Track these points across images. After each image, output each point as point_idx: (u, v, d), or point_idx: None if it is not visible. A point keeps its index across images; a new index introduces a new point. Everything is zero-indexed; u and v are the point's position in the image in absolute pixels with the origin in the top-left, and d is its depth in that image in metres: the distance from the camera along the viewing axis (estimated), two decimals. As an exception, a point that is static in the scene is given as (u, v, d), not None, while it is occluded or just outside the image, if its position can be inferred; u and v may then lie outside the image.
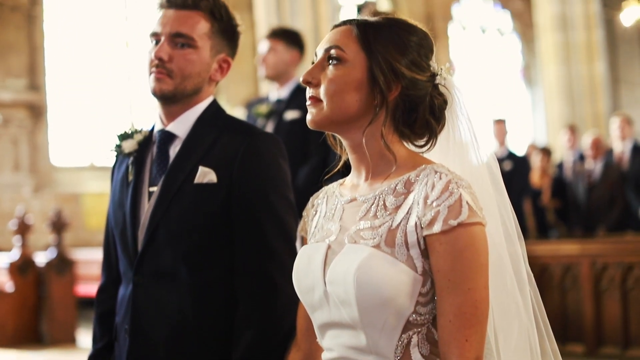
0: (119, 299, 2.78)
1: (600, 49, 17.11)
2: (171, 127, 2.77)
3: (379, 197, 1.98)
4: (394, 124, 2.03)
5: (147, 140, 2.83)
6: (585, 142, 11.21)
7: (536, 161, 11.35)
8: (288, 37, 5.95)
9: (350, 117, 2.01)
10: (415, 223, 1.88)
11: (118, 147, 2.84)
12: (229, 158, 2.69)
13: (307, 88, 2.05)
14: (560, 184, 11.18)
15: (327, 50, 2.04)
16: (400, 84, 2.00)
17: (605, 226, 10.28)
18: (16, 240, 9.63)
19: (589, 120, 16.62)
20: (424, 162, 1.98)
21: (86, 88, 15.17)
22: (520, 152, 11.90)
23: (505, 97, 21.51)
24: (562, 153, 12.57)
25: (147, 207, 2.72)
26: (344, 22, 2.08)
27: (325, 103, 2.01)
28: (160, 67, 2.71)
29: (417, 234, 1.88)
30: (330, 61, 2.03)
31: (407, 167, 1.99)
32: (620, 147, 10.67)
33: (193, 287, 2.63)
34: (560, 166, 11.74)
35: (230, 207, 2.65)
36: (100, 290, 2.92)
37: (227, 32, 2.85)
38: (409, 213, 1.90)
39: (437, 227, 1.85)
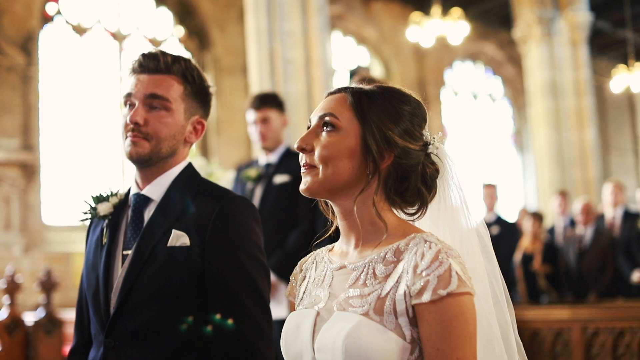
0: None
1: (590, 116, 17.28)
2: (146, 191, 2.79)
3: (369, 265, 1.98)
4: (386, 192, 2.05)
5: (122, 203, 2.86)
6: (576, 207, 11.25)
7: (527, 226, 11.38)
8: (278, 104, 5.92)
9: (343, 184, 2.02)
10: (405, 292, 1.88)
11: (93, 209, 2.87)
12: (202, 221, 2.68)
13: (301, 155, 2.07)
14: (551, 249, 11.19)
15: (322, 117, 2.06)
16: (393, 153, 2.02)
17: (597, 292, 10.27)
18: (5, 299, 9.54)
19: (579, 185, 16.71)
20: (413, 231, 2.00)
21: (79, 148, 15.19)
22: (509, 217, 11.92)
23: (496, 162, 21.60)
24: (553, 218, 12.60)
25: (120, 270, 2.70)
26: (339, 90, 2.11)
27: (319, 170, 2.02)
28: (136, 130, 2.72)
29: (405, 302, 1.88)
30: (325, 128, 2.05)
31: (397, 235, 2.00)
32: (612, 213, 10.72)
33: (165, 351, 2.59)
34: (551, 231, 11.76)
35: (203, 270, 2.63)
36: (72, 352, 2.87)
37: (200, 95, 2.86)
38: (398, 282, 1.90)
39: (426, 297, 1.84)
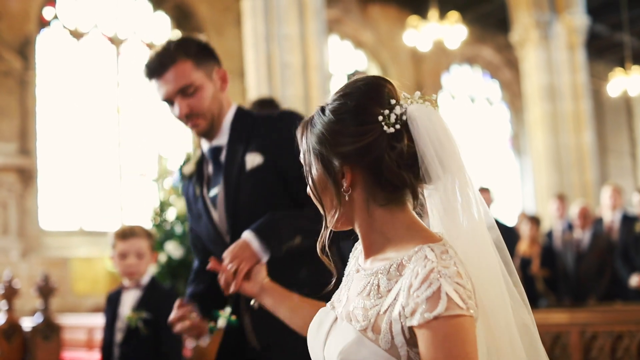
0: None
1: (587, 119, 17.29)
2: (216, 142, 3.31)
3: (375, 277, 1.92)
4: (374, 197, 1.95)
5: (201, 159, 3.38)
6: (573, 211, 11.25)
7: (525, 230, 11.37)
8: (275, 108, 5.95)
9: (335, 214, 1.99)
10: (399, 312, 1.81)
11: (182, 174, 3.43)
12: (265, 140, 3.20)
13: None
14: (549, 253, 11.18)
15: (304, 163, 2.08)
16: (351, 162, 1.93)
17: (595, 295, 10.26)
18: (2, 304, 9.53)
19: (577, 189, 16.71)
20: (421, 237, 1.92)
21: (77, 153, 15.18)
22: (507, 221, 11.90)
23: (494, 166, 21.61)
24: (551, 222, 12.59)
25: (212, 208, 3.26)
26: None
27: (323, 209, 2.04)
28: (189, 117, 3.22)
29: (401, 322, 1.81)
30: (307, 174, 2.07)
31: (406, 240, 1.93)
32: (610, 217, 10.71)
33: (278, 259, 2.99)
34: (549, 235, 11.74)
35: (285, 178, 3.13)
36: (200, 271, 3.42)
37: (205, 54, 3.27)
38: (395, 300, 1.84)
39: (415, 320, 1.78)
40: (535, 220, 11.61)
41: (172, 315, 3.14)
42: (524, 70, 17.80)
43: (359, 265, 2.03)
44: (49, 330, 9.89)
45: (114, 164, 15.61)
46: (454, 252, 1.85)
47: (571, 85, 17.28)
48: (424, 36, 16.23)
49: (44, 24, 15.08)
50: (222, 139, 3.30)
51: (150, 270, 5.01)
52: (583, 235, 10.81)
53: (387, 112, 1.92)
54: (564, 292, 10.88)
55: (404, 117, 1.92)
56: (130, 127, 15.91)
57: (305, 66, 12.40)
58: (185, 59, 3.17)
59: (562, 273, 10.93)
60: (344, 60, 19.07)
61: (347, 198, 1.96)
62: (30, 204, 13.96)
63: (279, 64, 12.07)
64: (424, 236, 1.92)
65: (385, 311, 1.84)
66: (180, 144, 15.79)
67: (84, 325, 9.81)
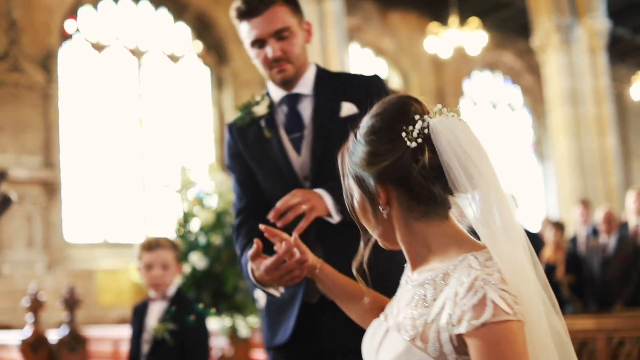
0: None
1: (610, 123, 17.19)
2: (298, 90, 3.35)
3: (422, 287, 1.97)
4: (411, 212, 2.01)
5: (270, 105, 3.39)
6: (598, 216, 11.17)
7: (549, 236, 11.30)
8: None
9: (379, 233, 2.09)
10: (447, 321, 1.85)
11: (249, 114, 3.37)
12: (360, 92, 3.26)
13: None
14: (574, 259, 11.10)
15: (349, 190, 2.16)
16: (383, 181, 2.01)
17: (621, 301, 10.18)
18: (28, 317, 9.59)
19: (601, 194, 16.61)
20: (464, 246, 1.97)
21: (100, 165, 15.27)
22: (530, 227, 11.85)
23: (517, 172, 21.53)
24: (575, 227, 12.51)
25: (291, 150, 3.28)
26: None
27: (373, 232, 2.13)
28: (279, 61, 3.26)
29: (448, 331, 1.85)
30: (352, 199, 2.15)
31: (447, 250, 1.98)
32: (635, 221, 10.62)
33: None
34: (574, 240, 11.67)
35: None
36: (247, 207, 3.35)
37: (298, 5, 3.35)
38: (442, 308, 1.88)
39: (462, 328, 1.81)
40: (559, 226, 11.54)
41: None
42: (546, 75, 17.72)
43: (407, 277, 2.10)
44: (75, 342, 9.93)
45: (137, 176, 15.69)
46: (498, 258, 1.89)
47: (593, 90, 17.18)
48: (444, 43, 16.22)
49: (65, 37, 15.19)
50: (303, 89, 3.35)
51: (176, 281, 5.02)
52: (608, 240, 10.73)
53: (410, 127, 1.99)
54: (590, 298, 10.80)
55: (426, 131, 1.98)
56: (152, 139, 15.98)
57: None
58: (285, 3, 3.25)
59: (587, 279, 10.86)
60: (364, 68, 19.07)
61: (385, 216, 2.03)
62: (54, 216, 14.04)
63: (300, 73, 12.11)
64: (467, 245, 1.97)
65: (433, 320, 1.88)
66: (202, 155, 15.86)
67: (109, 337, 9.84)
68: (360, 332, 2.40)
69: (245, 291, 7.72)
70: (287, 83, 3.33)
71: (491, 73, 21.87)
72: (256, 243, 2.67)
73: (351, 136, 2.13)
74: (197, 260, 7.57)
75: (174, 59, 16.63)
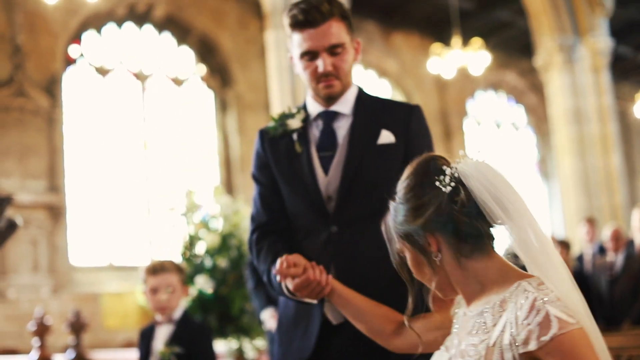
0: (297, 249, 3.15)
1: (615, 141, 17.21)
2: (336, 108, 3.32)
3: (481, 316, 2.15)
4: (463, 252, 2.21)
5: (305, 119, 3.36)
6: (605, 234, 11.15)
7: (555, 254, 11.26)
8: None
9: (435, 283, 2.27)
10: (510, 341, 2.02)
11: (282, 125, 3.33)
12: (400, 122, 3.28)
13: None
14: (580, 277, 11.06)
15: (399, 253, 2.36)
16: (431, 229, 2.21)
17: (630, 319, 10.14)
18: (35, 341, 9.57)
19: (606, 212, 16.59)
20: (516, 276, 2.15)
21: (105, 189, 15.29)
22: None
23: (522, 191, 21.46)
24: (581, 246, 12.49)
25: (319, 169, 3.24)
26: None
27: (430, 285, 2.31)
28: (328, 76, 3.22)
29: (512, 351, 2.02)
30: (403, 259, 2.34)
31: (501, 282, 2.16)
32: (642, 239, 10.61)
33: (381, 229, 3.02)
34: (580, 259, 11.65)
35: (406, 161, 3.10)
36: (267, 224, 3.32)
37: (351, 22, 3.31)
38: (503, 331, 2.05)
39: (532, 345, 1.98)
40: (565, 245, 11.52)
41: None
42: (549, 94, 17.75)
43: (465, 310, 2.27)
44: (82, 366, 9.90)
45: (142, 199, 15.70)
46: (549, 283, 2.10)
47: (597, 108, 17.21)
48: (447, 63, 16.25)
49: (70, 61, 15.25)
50: (343, 107, 3.33)
51: (182, 305, 5.01)
52: (616, 258, 10.70)
53: (442, 177, 2.23)
54: (598, 316, 10.73)
55: (456, 175, 2.23)
56: (157, 162, 16.00)
57: (330, 96, 12.44)
58: (341, 19, 3.22)
59: (595, 297, 10.82)
60: (368, 90, 19.06)
61: (438, 263, 2.23)
62: (59, 240, 14.04)
63: (303, 95, 12.11)
64: (518, 274, 2.17)
65: (494, 344, 2.06)
66: (207, 178, 15.88)
67: (116, 361, 9.83)
68: (374, 351, 2.66)
69: (251, 314, 7.71)
70: (331, 99, 3.31)
71: (495, 93, 21.89)
72: (281, 262, 2.89)
73: (391, 204, 2.35)
74: (204, 283, 7.58)
75: (177, 82, 16.68)
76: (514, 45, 20.53)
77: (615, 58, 18.73)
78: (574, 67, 17.38)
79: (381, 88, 19.47)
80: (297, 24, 3.20)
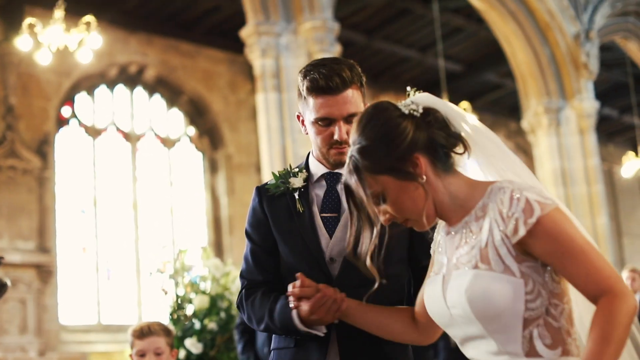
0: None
1: (601, 202, 17.32)
2: (342, 170, 3.11)
3: (466, 226, 2.30)
4: (441, 166, 2.35)
5: (307, 178, 3.27)
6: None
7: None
8: None
9: (424, 208, 2.34)
10: (501, 237, 2.19)
11: (285, 183, 3.24)
12: None
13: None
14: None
15: (374, 197, 2.37)
16: (414, 153, 2.31)
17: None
18: (22, 403, 9.53)
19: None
20: (484, 185, 2.32)
21: (95, 248, 15.30)
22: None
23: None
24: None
25: (323, 230, 3.13)
26: (350, 174, 2.43)
27: (411, 219, 2.38)
28: (341, 144, 3.09)
29: (505, 244, 2.19)
30: (380, 201, 2.37)
31: (477, 196, 2.31)
32: (628, 300, 10.64)
33: (386, 292, 2.87)
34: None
35: (410, 234, 3.04)
36: (260, 284, 3.22)
37: (365, 88, 3.23)
38: (491, 230, 2.21)
39: (521, 231, 2.16)
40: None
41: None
42: (536, 155, 17.90)
43: (448, 230, 2.39)
44: None
45: (132, 259, 15.71)
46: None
47: (583, 169, 17.35)
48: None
49: (62, 122, 15.37)
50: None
51: (171, 368, 5.01)
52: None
53: (408, 105, 2.39)
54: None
55: (418, 101, 2.41)
56: (147, 222, 16.04)
57: (320, 159, 12.53)
58: (359, 88, 3.14)
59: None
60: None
61: (423, 185, 2.32)
62: (49, 300, 14.02)
63: (293, 157, 12.20)
64: (486, 183, 2.33)
65: (487, 243, 2.22)
66: (195, 239, 15.91)
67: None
68: None
69: (240, 376, 7.70)
70: (339, 165, 3.17)
71: (482, 154, 22.03)
72: (300, 278, 2.89)
73: (354, 149, 2.40)
74: (192, 345, 7.57)
75: (168, 143, 16.81)
76: (501, 107, 20.78)
77: (601, 120, 18.95)
78: (561, 129, 17.56)
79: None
80: (317, 89, 3.07)
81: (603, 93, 19.12)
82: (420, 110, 2.37)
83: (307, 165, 3.28)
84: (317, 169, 3.26)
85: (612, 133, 23.16)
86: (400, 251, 3.08)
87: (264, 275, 3.23)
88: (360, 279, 2.93)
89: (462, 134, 2.39)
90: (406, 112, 2.37)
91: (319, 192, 3.22)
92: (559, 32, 17.44)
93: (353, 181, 2.40)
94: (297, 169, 3.27)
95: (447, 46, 17.27)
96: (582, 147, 17.53)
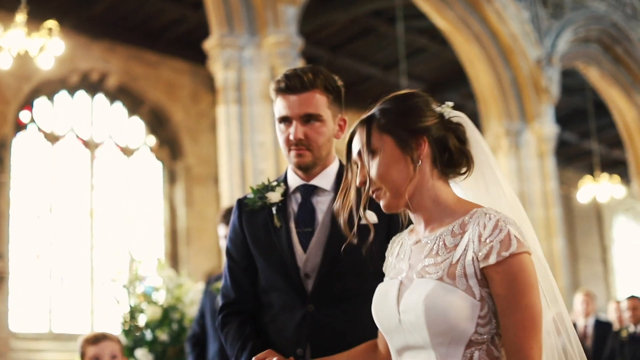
0: (270, 324, 3.15)
1: (558, 226, 17.47)
2: (316, 182, 3.26)
3: (439, 238, 2.35)
4: (438, 168, 2.41)
5: (285, 193, 3.29)
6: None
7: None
8: None
9: (403, 185, 2.39)
10: (472, 257, 2.24)
11: (262, 198, 3.28)
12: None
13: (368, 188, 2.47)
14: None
15: (360, 153, 2.46)
16: (423, 136, 2.39)
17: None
18: (-33, 411, 9.37)
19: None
20: (474, 207, 2.36)
21: (49, 256, 15.13)
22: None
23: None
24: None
25: (298, 245, 3.16)
26: (360, 124, 2.50)
27: (383, 191, 2.42)
28: (299, 144, 3.17)
29: (474, 266, 2.24)
30: (370, 158, 2.43)
31: (459, 211, 2.36)
32: (583, 323, 10.74)
33: (360, 309, 2.97)
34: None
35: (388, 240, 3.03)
36: (234, 303, 3.25)
37: (338, 96, 3.29)
38: (465, 249, 2.27)
39: (492, 259, 2.22)
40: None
41: None
42: (495, 177, 18.00)
43: (419, 236, 2.44)
44: None
45: (86, 268, 15.56)
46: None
47: (541, 193, 17.50)
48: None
49: (20, 127, 15.21)
50: (323, 182, 3.26)
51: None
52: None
53: (444, 106, 2.49)
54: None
55: (452, 114, 2.49)
56: (102, 231, 15.91)
57: (279, 173, 12.47)
58: (324, 93, 3.20)
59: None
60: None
61: (416, 167, 2.39)
62: (0, 306, 13.83)
63: (252, 170, 12.17)
64: (473, 204, 2.39)
65: (458, 260, 2.27)
66: (151, 249, 15.81)
67: None
68: None
69: (190, 388, 7.64)
70: (303, 169, 3.24)
71: (442, 173, 22.16)
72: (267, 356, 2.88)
73: (379, 107, 2.49)
74: (143, 356, 7.50)
75: (127, 152, 16.70)
76: (462, 128, 20.85)
77: (560, 144, 19.13)
78: (520, 152, 17.70)
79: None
80: (279, 90, 3.20)
81: (563, 118, 19.31)
82: (450, 116, 2.47)
83: (285, 178, 3.32)
84: (294, 181, 3.30)
85: (571, 157, 23.41)
86: (377, 264, 3.00)
87: (238, 292, 3.27)
88: (334, 295, 3.07)
89: (474, 159, 2.46)
90: (437, 109, 2.47)
91: (295, 205, 3.27)
92: (522, 56, 17.61)
93: (359, 129, 2.50)
94: (275, 183, 3.31)
95: (410, 65, 17.35)
96: (541, 170, 17.68)
